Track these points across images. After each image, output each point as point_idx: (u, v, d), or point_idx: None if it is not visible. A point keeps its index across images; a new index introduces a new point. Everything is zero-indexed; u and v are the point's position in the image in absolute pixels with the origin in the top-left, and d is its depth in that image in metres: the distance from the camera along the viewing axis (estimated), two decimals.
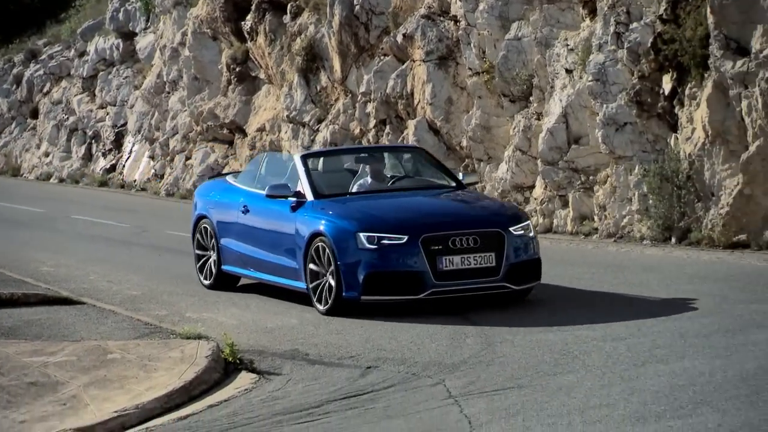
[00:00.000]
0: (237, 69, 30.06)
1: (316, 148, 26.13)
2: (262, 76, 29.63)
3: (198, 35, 31.14)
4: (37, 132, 39.48)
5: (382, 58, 25.05)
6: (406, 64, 24.26)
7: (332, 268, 12.93)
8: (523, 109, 21.47)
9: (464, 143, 22.60)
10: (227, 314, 14.35)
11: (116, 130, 35.54)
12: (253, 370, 11.61)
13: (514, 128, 21.40)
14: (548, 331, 11.75)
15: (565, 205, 20.06)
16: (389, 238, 12.59)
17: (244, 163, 29.59)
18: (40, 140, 39.18)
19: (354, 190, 14.07)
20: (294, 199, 13.79)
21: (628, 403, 8.85)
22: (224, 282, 15.56)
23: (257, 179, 14.94)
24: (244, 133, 29.94)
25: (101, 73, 36.71)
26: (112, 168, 35.27)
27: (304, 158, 14.34)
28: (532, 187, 20.93)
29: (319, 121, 27.31)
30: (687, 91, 17.77)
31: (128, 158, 34.85)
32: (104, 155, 35.85)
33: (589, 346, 11.02)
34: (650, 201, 18.13)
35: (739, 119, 16.98)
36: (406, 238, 12.53)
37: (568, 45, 20.22)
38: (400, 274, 12.55)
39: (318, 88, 27.38)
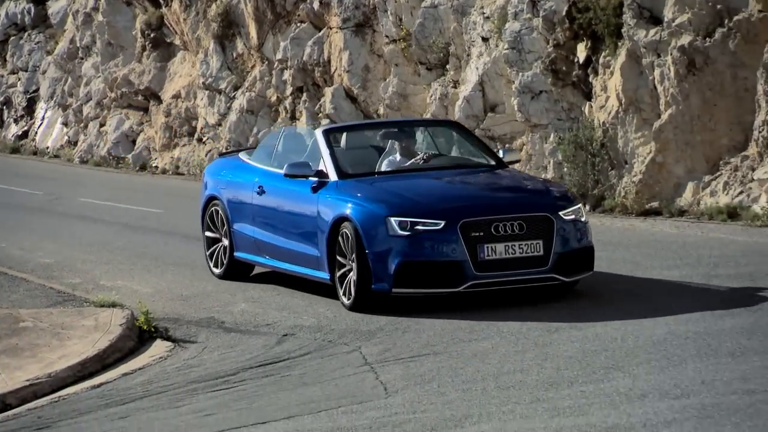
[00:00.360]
0: (152, 35, 29.73)
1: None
2: (177, 42, 29.34)
3: (111, 0, 30.73)
4: None
5: (298, 25, 24.93)
6: (322, 32, 24.17)
7: (359, 256, 11.41)
8: (440, 77, 21.51)
9: (381, 111, 22.59)
10: (142, 282, 14.25)
11: (28, 96, 35.00)
12: (168, 338, 11.56)
13: (431, 96, 21.44)
14: (463, 298, 11.81)
15: None
16: (424, 224, 11.19)
17: (159, 129, 29.34)
18: None
19: (383, 168, 12.55)
20: (315, 179, 12.30)
21: (541, 368, 8.95)
22: (237, 271, 13.80)
23: (274, 157, 13.38)
24: (160, 100, 29.65)
25: (12, 38, 36.08)
26: (25, 134, 34.75)
27: (327, 133, 12.77)
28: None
29: (236, 88, 27.13)
30: (601, 60, 17.92)
31: (41, 125, 34.36)
32: (16, 121, 35.30)
33: (504, 313, 11.10)
34: (565, 169, 18.29)
35: (652, 88, 17.17)
36: (443, 223, 11.16)
37: (484, 13, 20.28)
38: (437, 264, 11.15)
39: (234, 54, 27.18)
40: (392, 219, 11.27)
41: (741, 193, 15.94)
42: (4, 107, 35.91)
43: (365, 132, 13.62)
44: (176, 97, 28.98)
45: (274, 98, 25.81)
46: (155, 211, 20.76)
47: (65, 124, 33.12)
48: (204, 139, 28.05)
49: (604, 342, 9.62)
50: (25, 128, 34.85)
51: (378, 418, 7.93)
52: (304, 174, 12.38)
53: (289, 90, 25.23)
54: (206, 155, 27.68)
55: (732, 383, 7.82)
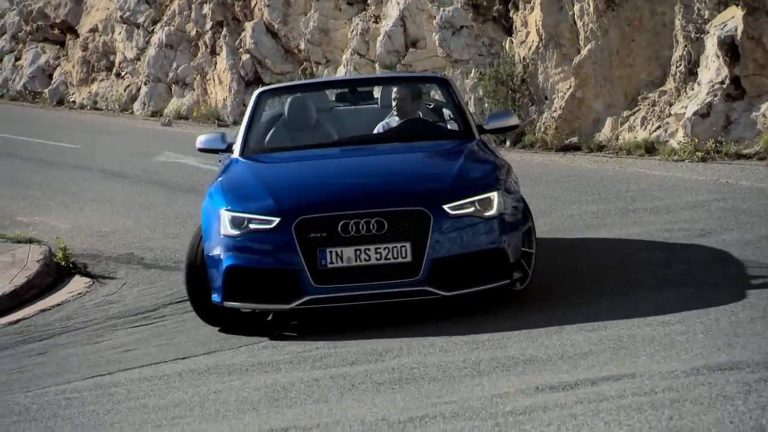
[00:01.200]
0: None
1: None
2: None
3: None
4: None
5: None
6: None
7: (200, 259, 9.19)
8: (361, 12, 21.40)
9: (302, 46, 22.45)
10: (60, 218, 14.10)
11: None
12: (87, 275, 11.48)
13: (352, 31, 21.34)
14: None
15: None
16: (257, 221, 8.76)
17: (77, 64, 28.90)
18: None
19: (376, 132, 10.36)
20: (227, 154, 10.16)
21: (460, 303, 9.02)
22: None
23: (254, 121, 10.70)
24: (76, 34, 29.20)
25: None
26: None
27: (260, 96, 10.43)
28: None
29: (154, 22, 26.79)
30: None
31: None
32: None
33: None
34: (486, 104, 18.35)
35: (572, 23, 17.24)
36: (276, 221, 8.69)
37: None
38: (266, 273, 8.75)
39: None
40: (225, 213, 8.86)
41: (658, 128, 16.11)
42: None
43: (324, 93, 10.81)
44: (93, 30, 28.55)
45: (193, 33, 25.52)
46: (73, 146, 20.51)
47: None
48: (122, 73, 27.71)
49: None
50: None
51: (299, 353, 7.95)
52: (214, 148, 10.21)
53: (208, 24, 24.96)
54: (125, 90, 27.36)
55: (647, 315, 7.94)
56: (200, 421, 6.28)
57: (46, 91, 29.52)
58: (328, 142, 10.10)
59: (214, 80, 24.75)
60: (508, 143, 18.05)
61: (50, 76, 29.89)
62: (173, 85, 26.02)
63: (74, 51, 29.15)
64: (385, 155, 9.78)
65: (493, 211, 8.82)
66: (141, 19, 26.88)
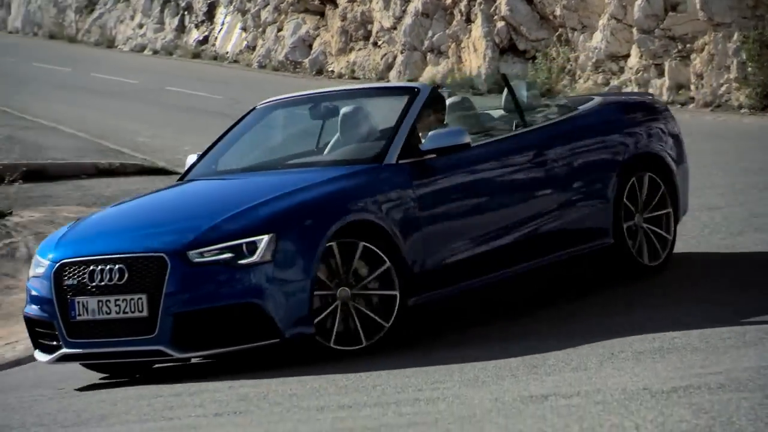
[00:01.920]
0: None
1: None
2: None
3: None
4: (131, 3, 39.69)
5: None
6: None
7: None
8: None
9: (558, 12, 22.26)
10: None
11: (208, 2, 35.58)
12: None
13: None
14: None
15: (661, 74, 19.78)
16: (40, 264, 7.97)
17: (335, 33, 29.51)
18: (134, 12, 39.39)
19: (424, 145, 8.10)
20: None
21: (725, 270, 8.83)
22: None
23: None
24: (335, 4, 29.79)
25: None
26: (205, 40, 35.40)
27: (251, 111, 9.30)
28: (627, 56, 20.64)
29: None
30: None
31: (221, 30, 34.93)
32: (197, 27, 35.98)
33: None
34: (749, 69, 17.79)
35: None
36: (46, 265, 7.88)
37: None
38: (38, 324, 7.99)
39: None
40: (36, 256, 8.14)
41: None
42: (185, 13, 36.60)
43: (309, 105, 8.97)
44: (352, 1, 29.06)
45: (449, 1, 25.65)
46: None
47: (244, 29, 33.60)
48: (379, 43, 28.12)
49: None
50: (206, 33, 35.50)
51: (557, 322, 7.92)
52: (182, 173, 9.08)
53: None
54: (381, 59, 27.77)
55: None
56: (459, 386, 6.35)
57: (306, 61, 30.25)
58: (271, 163, 8.60)
59: (468, 48, 24.83)
60: None
61: (310, 47, 30.62)
62: (428, 54, 26.25)
63: (333, 21, 29.75)
64: (254, 181, 8.24)
65: (253, 258, 7.34)
66: None
